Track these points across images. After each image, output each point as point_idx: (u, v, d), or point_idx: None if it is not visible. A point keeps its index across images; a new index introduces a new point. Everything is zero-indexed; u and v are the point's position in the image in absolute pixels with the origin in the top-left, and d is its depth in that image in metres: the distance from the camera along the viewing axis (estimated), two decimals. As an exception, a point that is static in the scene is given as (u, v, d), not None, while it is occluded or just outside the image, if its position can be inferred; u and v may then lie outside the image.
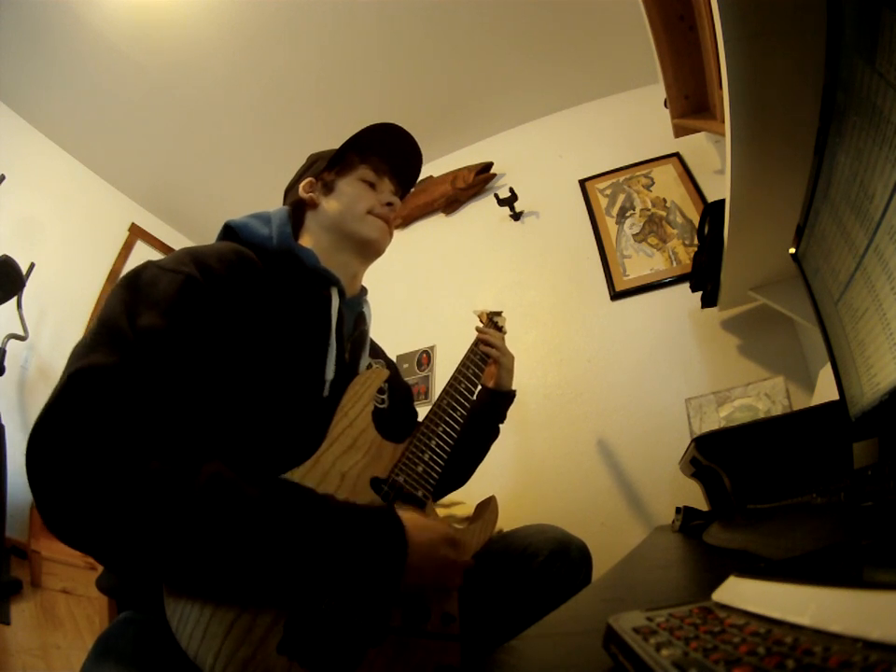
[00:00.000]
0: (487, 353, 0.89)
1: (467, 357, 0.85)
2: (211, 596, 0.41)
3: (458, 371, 0.81)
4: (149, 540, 0.39)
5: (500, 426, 0.95)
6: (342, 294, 0.69)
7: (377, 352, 0.83)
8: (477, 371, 0.84)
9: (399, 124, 0.78)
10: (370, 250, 0.76)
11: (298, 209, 0.76)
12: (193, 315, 0.50)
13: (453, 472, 0.81)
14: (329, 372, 0.62)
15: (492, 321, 0.99)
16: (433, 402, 0.77)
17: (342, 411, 0.61)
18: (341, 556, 0.44)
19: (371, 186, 0.77)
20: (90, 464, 0.38)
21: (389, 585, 0.48)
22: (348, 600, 0.47)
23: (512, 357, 0.96)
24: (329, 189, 0.76)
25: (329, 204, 0.74)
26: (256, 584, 0.42)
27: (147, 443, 0.41)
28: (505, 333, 0.99)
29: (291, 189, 0.80)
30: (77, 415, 0.40)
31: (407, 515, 0.51)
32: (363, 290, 0.80)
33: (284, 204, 0.80)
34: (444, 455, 0.69)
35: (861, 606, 0.14)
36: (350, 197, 0.74)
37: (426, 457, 0.66)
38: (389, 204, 0.77)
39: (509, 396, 0.94)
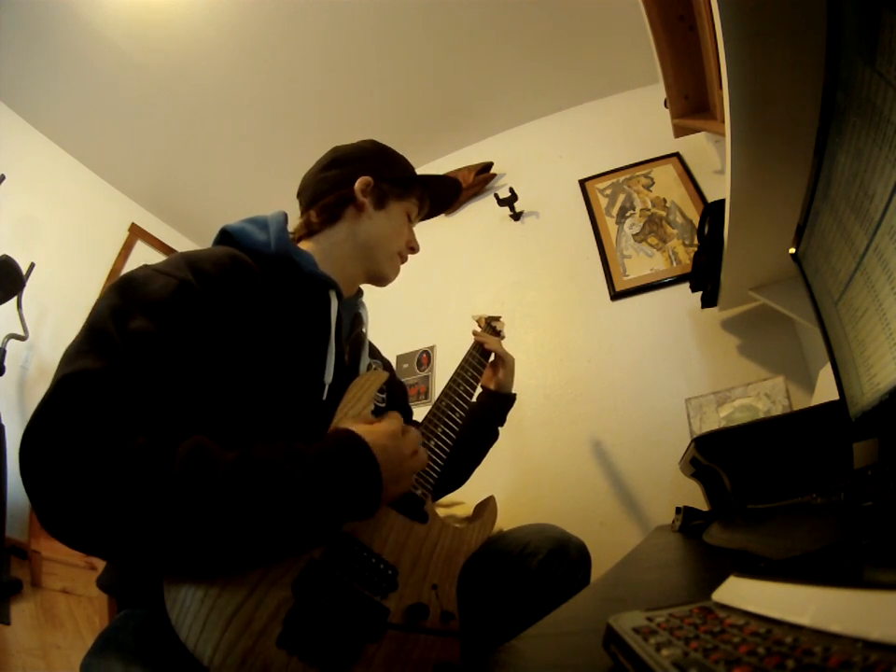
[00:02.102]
0: (493, 349, 0.90)
1: (465, 360, 0.86)
2: (208, 569, 0.42)
3: (457, 373, 0.82)
4: (138, 517, 0.39)
5: (500, 429, 0.95)
6: (339, 296, 0.69)
7: (374, 352, 0.84)
8: (475, 373, 0.84)
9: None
10: (377, 283, 0.79)
11: (341, 202, 0.74)
12: (187, 319, 0.50)
13: (450, 474, 0.81)
14: (329, 376, 0.62)
15: (490, 326, 0.99)
16: (433, 403, 0.77)
17: (342, 410, 0.61)
18: (322, 494, 0.46)
19: (409, 221, 0.80)
20: (79, 463, 0.38)
21: (372, 503, 0.50)
22: (336, 528, 0.49)
23: (513, 360, 0.96)
24: (381, 202, 0.75)
25: (373, 220, 0.74)
26: (247, 541, 0.42)
27: (134, 438, 0.41)
28: (503, 338, 0.99)
29: (345, 162, 0.76)
30: (66, 420, 0.40)
31: (362, 428, 0.53)
32: (359, 292, 0.80)
33: (331, 164, 0.77)
34: (443, 455, 0.69)
35: (861, 606, 0.14)
36: (393, 228, 0.76)
37: None
38: (412, 249, 0.81)
39: (509, 398, 0.94)
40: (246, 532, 0.42)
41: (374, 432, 0.53)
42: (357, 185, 0.73)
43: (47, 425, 0.40)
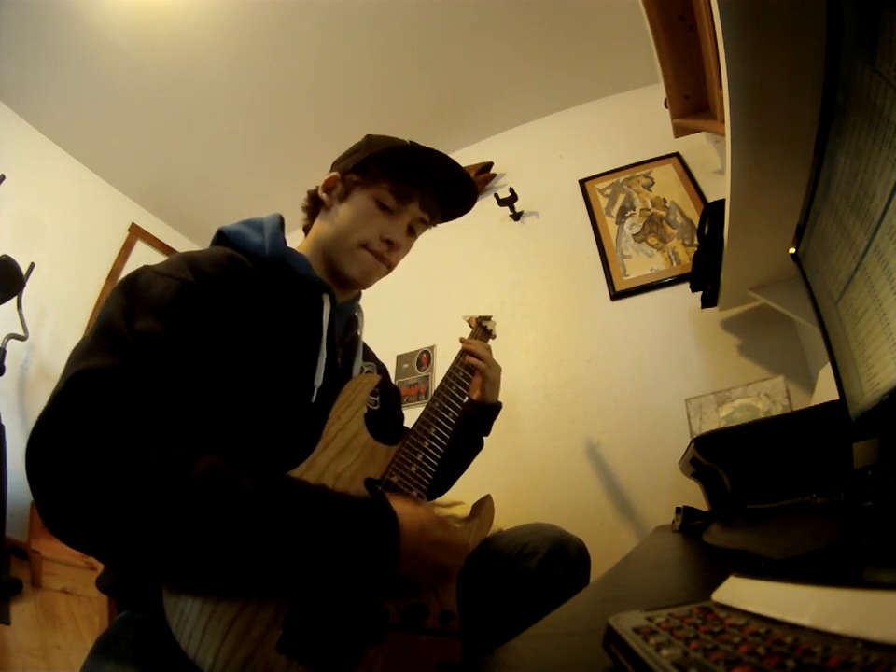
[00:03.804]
0: (474, 364, 0.86)
1: (456, 361, 0.85)
2: (208, 588, 0.42)
3: (449, 373, 0.82)
4: (147, 534, 0.39)
5: (485, 438, 0.94)
6: (333, 300, 0.68)
7: (368, 355, 0.83)
8: (467, 373, 0.84)
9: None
10: (349, 284, 0.72)
11: (314, 203, 0.74)
12: (190, 320, 0.50)
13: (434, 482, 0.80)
14: (318, 379, 0.61)
15: (481, 326, 0.97)
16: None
17: (335, 414, 0.61)
18: (333, 543, 0.45)
19: (387, 210, 0.69)
20: (89, 464, 0.38)
21: (383, 570, 0.48)
22: (343, 587, 0.47)
23: (499, 369, 0.92)
24: (346, 194, 0.70)
25: (337, 214, 0.70)
26: (251, 572, 0.42)
27: (146, 443, 0.42)
28: (494, 338, 0.98)
29: (334, 163, 0.75)
30: (77, 417, 0.40)
31: (397, 502, 0.51)
32: (357, 295, 0.79)
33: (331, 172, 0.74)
34: (437, 456, 0.69)
35: (861, 606, 0.14)
36: (352, 219, 0.68)
37: (419, 458, 0.66)
38: (389, 242, 0.69)
39: (493, 408, 0.93)
40: (245, 561, 0.42)
41: (412, 513, 0.51)
42: (322, 185, 0.72)
43: (58, 422, 0.40)
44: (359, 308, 0.79)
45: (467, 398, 0.84)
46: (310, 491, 0.47)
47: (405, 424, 0.88)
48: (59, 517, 0.40)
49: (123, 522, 0.39)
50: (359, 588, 0.48)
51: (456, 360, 0.86)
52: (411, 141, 0.70)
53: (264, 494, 0.44)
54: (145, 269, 0.55)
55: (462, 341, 0.91)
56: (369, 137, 0.74)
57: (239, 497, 0.42)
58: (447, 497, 0.95)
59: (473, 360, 0.87)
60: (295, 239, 0.73)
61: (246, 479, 0.44)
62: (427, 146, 0.69)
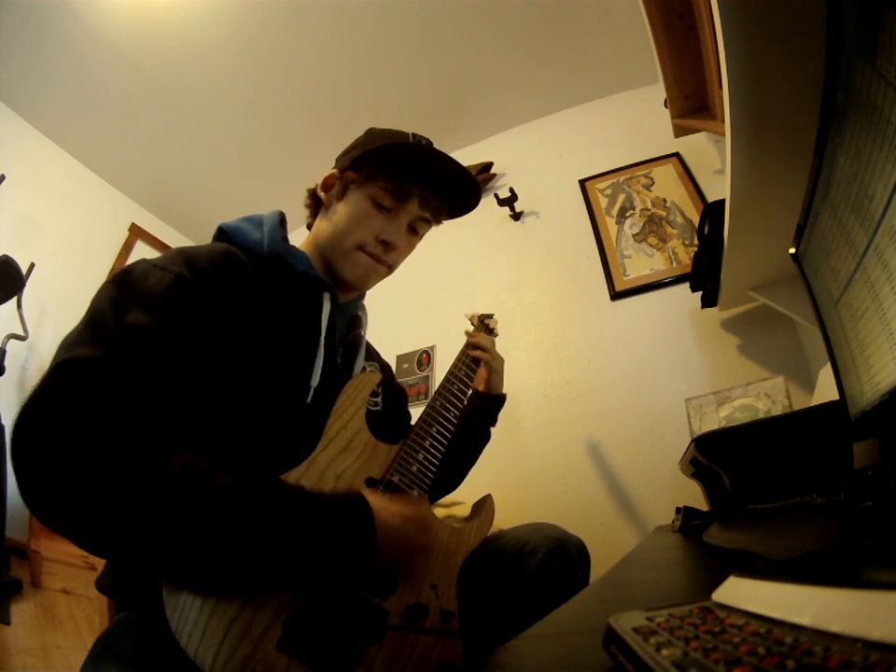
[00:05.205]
0: (479, 357, 0.87)
1: (458, 359, 0.86)
2: (187, 582, 0.42)
3: (450, 372, 0.82)
4: (123, 525, 0.39)
5: (492, 429, 0.94)
6: (334, 298, 0.67)
7: (372, 355, 0.83)
8: (469, 371, 0.84)
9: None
10: (347, 287, 0.71)
11: (314, 202, 0.74)
12: (181, 314, 0.50)
13: (444, 476, 0.80)
14: (315, 379, 0.61)
15: (483, 324, 0.99)
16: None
17: (336, 413, 0.61)
18: (308, 542, 0.45)
19: (385, 209, 0.67)
20: (68, 451, 0.39)
21: (359, 567, 0.48)
22: (325, 579, 0.47)
23: (502, 361, 0.94)
24: (343, 193, 0.68)
25: (335, 213, 0.69)
26: (225, 570, 0.42)
27: (125, 434, 0.42)
28: (496, 336, 0.99)
29: (337, 159, 0.74)
30: (60, 405, 0.40)
31: (375, 499, 0.51)
32: (360, 294, 0.77)
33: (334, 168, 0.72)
34: (439, 455, 0.69)
35: (861, 606, 0.14)
36: (349, 220, 0.67)
37: (420, 457, 0.66)
38: (385, 243, 0.67)
39: (499, 399, 0.93)
40: (224, 557, 0.41)
41: (387, 508, 0.51)
42: (321, 182, 0.71)
43: (42, 409, 0.40)
44: (363, 307, 0.78)
45: (468, 396, 0.84)
46: (285, 490, 0.47)
47: (412, 423, 0.87)
48: (38, 500, 0.40)
49: (96, 511, 0.39)
50: (341, 578, 0.49)
51: (459, 358, 0.86)
52: (413, 134, 0.68)
53: (238, 493, 0.43)
54: (140, 261, 0.55)
55: (468, 333, 0.93)
56: (369, 132, 0.72)
57: (212, 496, 0.42)
58: (447, 497, 0.96)
59: (478, 353, 0.88)
60: (299, 236, 0.73)
61: (223, 478, 0.44)
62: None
